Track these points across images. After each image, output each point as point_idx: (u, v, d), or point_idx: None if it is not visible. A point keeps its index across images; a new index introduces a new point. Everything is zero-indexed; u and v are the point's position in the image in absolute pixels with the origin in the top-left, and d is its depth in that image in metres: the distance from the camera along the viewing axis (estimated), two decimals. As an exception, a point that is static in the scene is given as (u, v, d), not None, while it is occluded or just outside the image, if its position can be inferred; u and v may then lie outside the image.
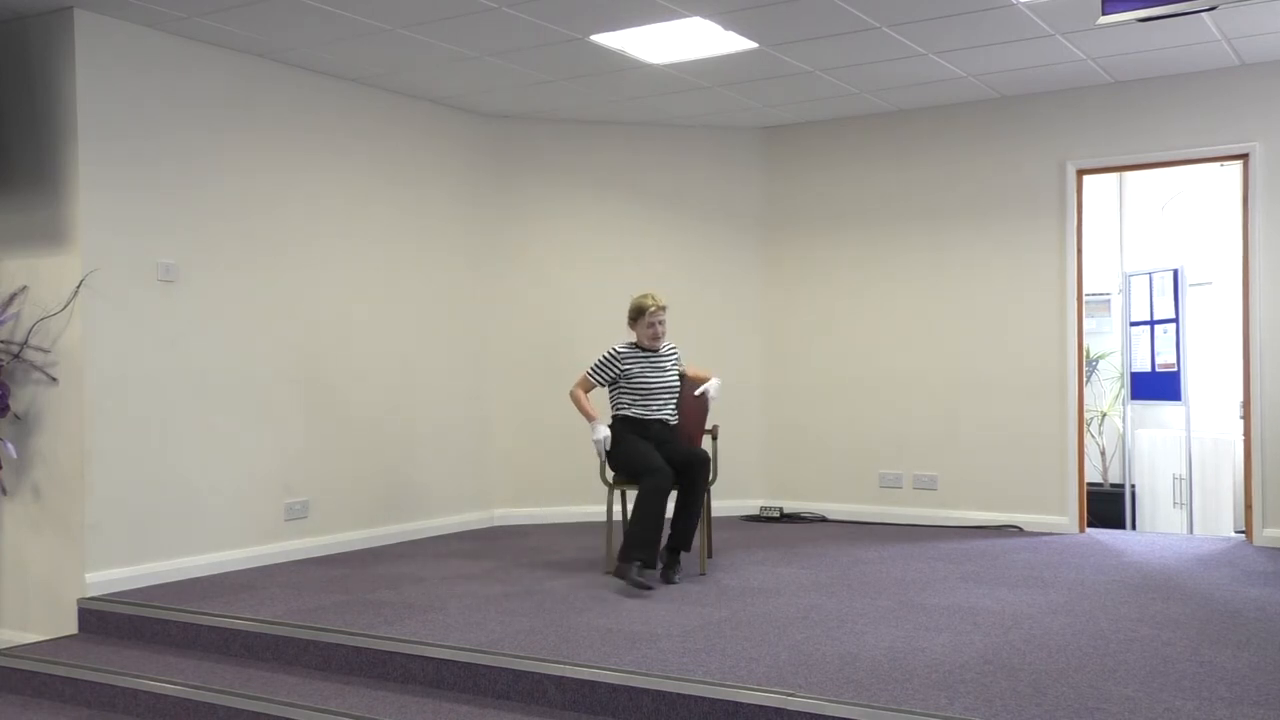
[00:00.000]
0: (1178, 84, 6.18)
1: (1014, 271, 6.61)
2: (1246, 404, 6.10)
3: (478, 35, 5.35)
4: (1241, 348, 6.13)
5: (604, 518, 6.07)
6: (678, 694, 3.46)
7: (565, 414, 6.19)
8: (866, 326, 7.08)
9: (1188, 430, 7.45)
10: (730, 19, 5.16)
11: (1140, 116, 6.28)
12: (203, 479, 5.38)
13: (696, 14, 5.07)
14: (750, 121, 7.21)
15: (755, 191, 7.43)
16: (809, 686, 3.41)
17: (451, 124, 6.78)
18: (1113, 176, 8.34)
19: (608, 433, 5.28)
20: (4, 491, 5.16)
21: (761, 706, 3.33)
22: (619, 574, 4.90)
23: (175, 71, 5.29)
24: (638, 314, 5.42)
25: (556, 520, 7.11)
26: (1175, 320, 7.46)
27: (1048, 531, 6.45)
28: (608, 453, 5.32)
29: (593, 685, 3.62)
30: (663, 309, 5.42)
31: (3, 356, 5.07)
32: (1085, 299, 6.83)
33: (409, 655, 4.00)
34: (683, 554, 5.26)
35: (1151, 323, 7.70)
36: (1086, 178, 6.59)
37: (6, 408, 5.04)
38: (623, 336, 5.65)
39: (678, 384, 5.47)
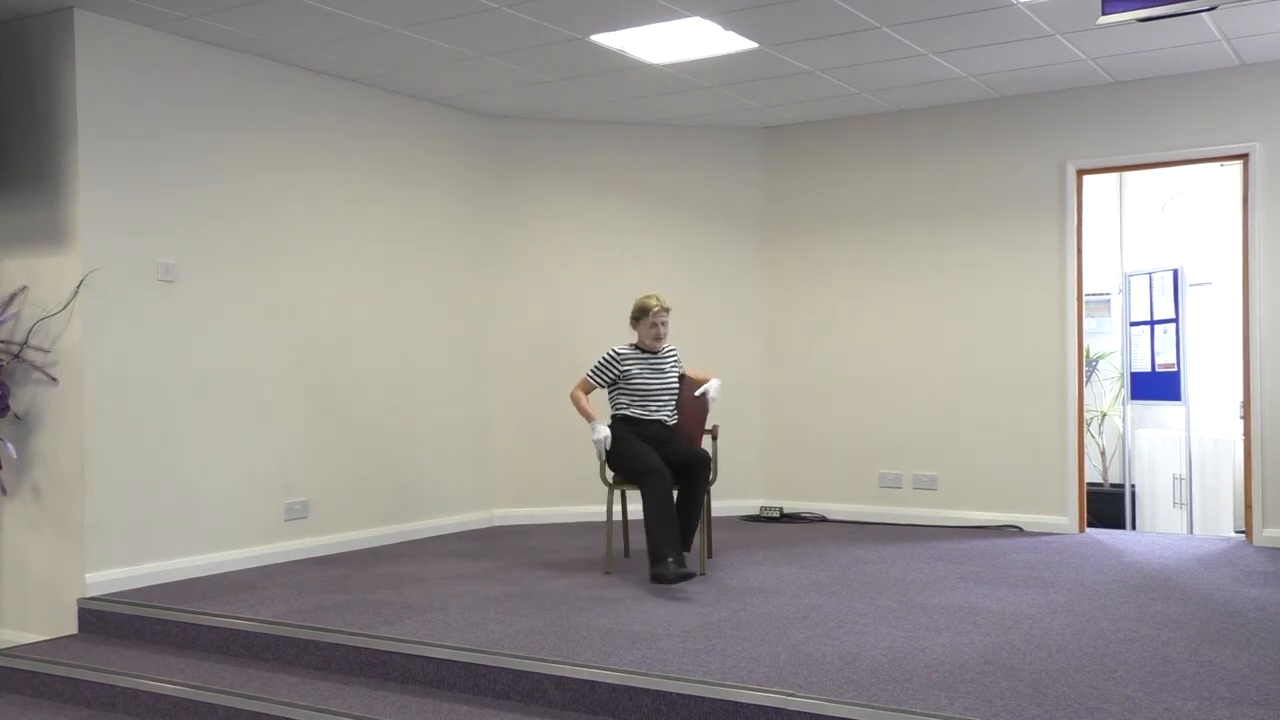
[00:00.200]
0: (1178, 84, 6.18)
1: (1014, 271, 6.61)
2: (1246, 404, 6.10)
3: (478, 35, 5.35)
4: (1241, 348, 6.13)
5: (604, 518, 6.07)
6: (678, 694, 3.46)
7: (565, 414, 6.19)
8: (866, 326, 7.08)
9: (1188, 430, 7.45)
10: (730, 19, 5.16)
11: (1140, 116, 6.28)
12: (203, 479, 5.38)
13: (696, 14, 5.07)
14: (750, 121, 7.21)
15: (755, 191, 7.43)
16: (809, 686, 3.41)
17: (451, 124, 6.78)
18: (1113, 176, 8.34)
19: (608, 433, 5.29)
20: (4, 491, 5.16)
21: (761, 706, 3.33)
22: (658, 579, 4.88)
23: (175, 71, 5.29)
24: (642, 313, 5.43)
25: (556, 520, 7.11)
26: (1175, 320, 7.46)
27: (1048, 531, 6.45)
28: (607, 453, 5.32)
29: (593, 685, 3.62)
30: (667, 311, 5.43)
31: (3, 356, 5.07)
32: (1085, 299, 6.83)
33: (409, 655, 4.00)
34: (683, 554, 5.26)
35: (1151, 323, 7.70)
36: (1086, 178, 6.59)
37: (6, 408, 5.04)
38: (623, 337, 5.66)
39: (677, 386, 5.48)
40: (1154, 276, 7.68)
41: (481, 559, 5.78)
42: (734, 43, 5.49)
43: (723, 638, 4.02)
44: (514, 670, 3.78)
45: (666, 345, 5.52)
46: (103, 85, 5.00)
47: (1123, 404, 8.24)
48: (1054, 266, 6.49)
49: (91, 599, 4.88)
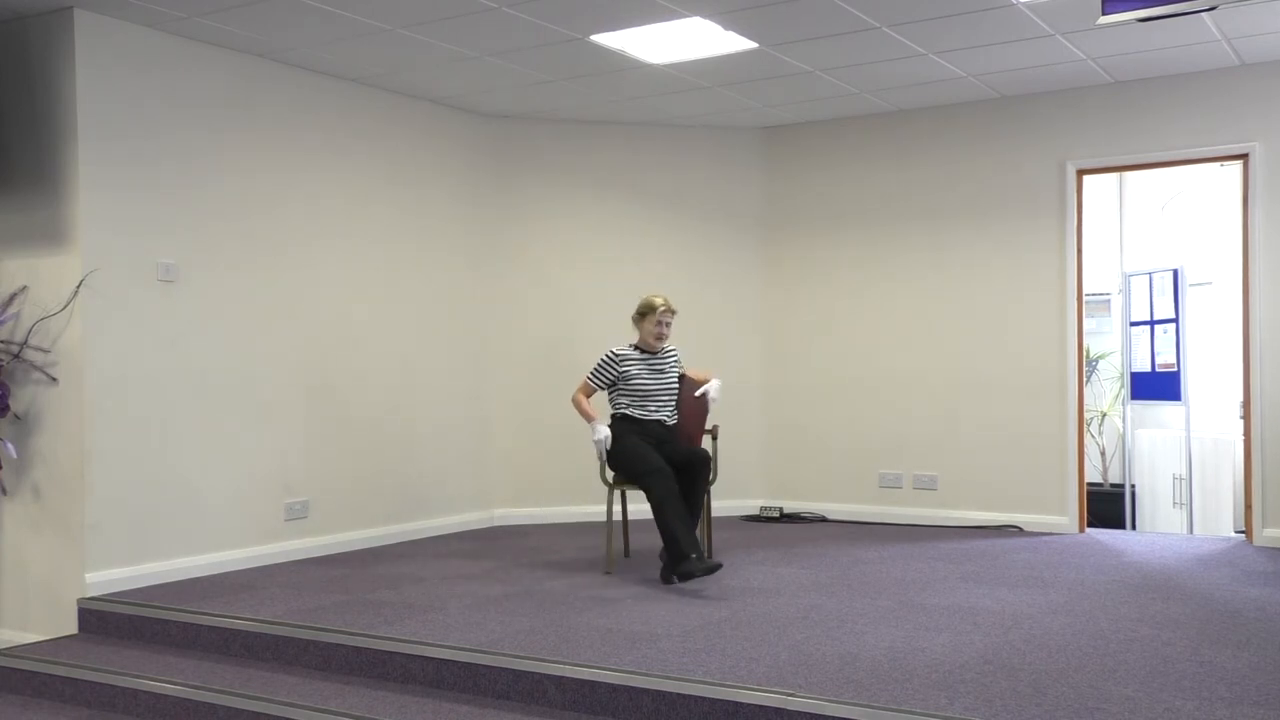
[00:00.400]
0: (1178, 84, 6.18)
1: (1014, 271, 6.61)
2: (1246, 404, 6.10)
3: (478, 35, 5.35)
4: (1241, 348, 6.13)
5: (604, 518, 6.07)
6: (678, 694, 3.46)
7: (565, 414, 6.18)
8: (866, 326, 7.08)
9: (1188, 430, 7.45)
10: (730, 19, 5.16)
11: (1140, 116, 6.28)
12: (203, 479, 5.38)
13: (696, 14, 5.07)
14: (750, 121, 7.21)
15: (755, 191, 7.43)
16: (809, 686, 3.41)
17: (451, 124, 6.78)
18: (1113, 176, 8.33)
19: (608, 433, 5.29)
20: (4, 491, 5.16)
21: (761, 706, 3.33)
22: (683, 577, 4.88)
23: (175, 71, 5.29)
24: (647, 310, 5.43)
25: (556, 520, 7.11)
26: (1175, 320, 7.46)
27: (1048, 531, 6.45)
28: (608, 453, 5.32)
29: (593, 685, 3.62)
30: (672, 313, 5.45)
31: (3, 356, 5.07)
32: (1085, 299, 6.83)
33: (409, 655, 4.00)
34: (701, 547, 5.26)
35: (1151, 323, 7.70)
36: (1086, 178, 6.58)
37: (6, 408, 5.04)
38: (623, 336, 5.66)
39: (676, 386, 5.48)
40: (1154, 276, 7.68)
41: (481, 559, 5.78)
42: (734, 43, 5.49)
43: (723, 638, 4.02)
44: (514, 670, 3.78)
45: (667, 345, 5.53)
46: (103, 85, 5.00)
47: (1123, 404, 8.24)
48: (1054, 266, 6.49)
49: (91, 599, 4.88)
